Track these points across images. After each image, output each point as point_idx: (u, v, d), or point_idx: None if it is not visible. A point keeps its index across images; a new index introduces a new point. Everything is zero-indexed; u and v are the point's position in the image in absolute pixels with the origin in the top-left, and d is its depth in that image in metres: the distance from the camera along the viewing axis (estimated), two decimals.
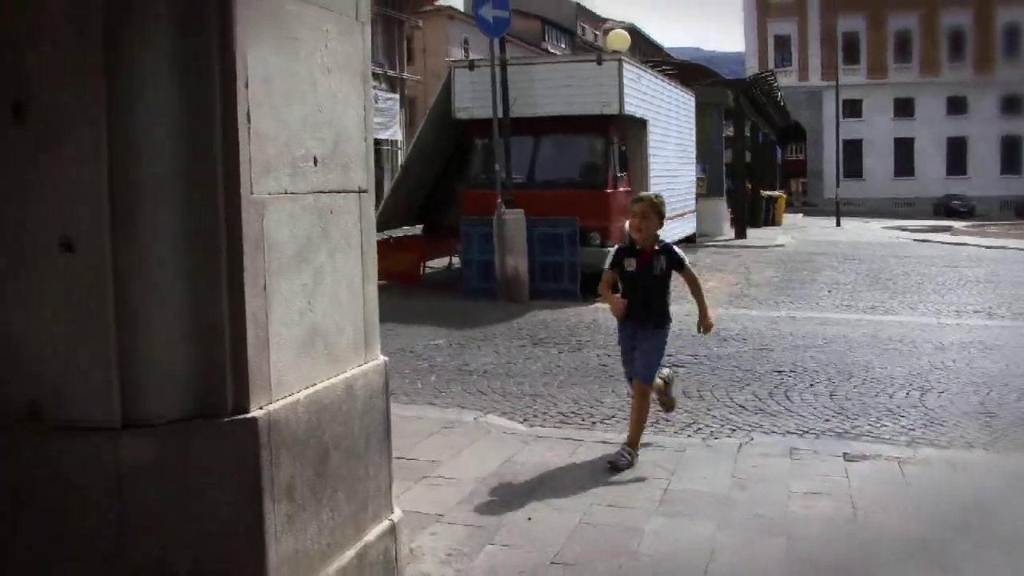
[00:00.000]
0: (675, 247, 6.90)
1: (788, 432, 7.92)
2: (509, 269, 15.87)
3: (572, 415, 8.50)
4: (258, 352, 3.27)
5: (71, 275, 3.08)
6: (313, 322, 3.66)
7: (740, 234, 32.73)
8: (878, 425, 8.08)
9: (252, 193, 3.27)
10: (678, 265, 6.70)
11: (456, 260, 19.99)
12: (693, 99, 25.47)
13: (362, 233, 4.07)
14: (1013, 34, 70.00)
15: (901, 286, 19.45)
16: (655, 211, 6.58)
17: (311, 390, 3.59)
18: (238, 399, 3.22)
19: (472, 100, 17.11)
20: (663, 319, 6.77)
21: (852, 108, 67.66)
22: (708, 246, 28.53)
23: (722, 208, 33.54)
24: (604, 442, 7.17)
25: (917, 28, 70.94)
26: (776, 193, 45.35)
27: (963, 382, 9.78)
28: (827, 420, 8.27)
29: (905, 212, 63.19)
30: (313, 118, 3.68)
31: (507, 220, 15.74)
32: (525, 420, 8.22)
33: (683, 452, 6.87)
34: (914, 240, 34.80)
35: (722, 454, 6.86)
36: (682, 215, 23.68)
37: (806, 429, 8.00)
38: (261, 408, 3.27)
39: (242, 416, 3.21)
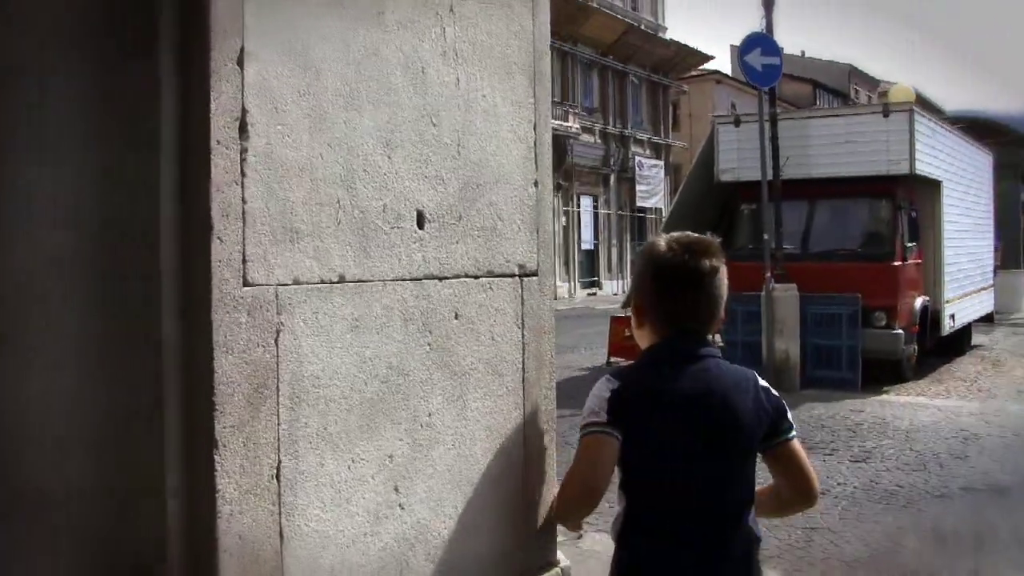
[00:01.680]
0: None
1: None
2: (778, 352, 13.67)
3: (861, 564, 6.13)
4: None
5: None
6: (409, 522, 1.94)
7: None
8: None
9: (248, 284, 1.60)
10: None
11: (718, 339, 17.91)
12: (991, 158, 22.52)
13: (525, 351, 2.29)
14: None
15: None
16: None
17: None
18: None
19: (738, 160, 15.12)
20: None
21: None
22: (1006, 324, 25.28)
23: (1020, 282, 30.04)
24: None
25: None
26: None
27: None
28: None
29: None
30: (415, 135, 1.98)
31: (777, 296, 13.61)
32: (794, 572, 5.95)
33: None
34: None
35: None
36: (979, 290, 20.72)
37: None
38: None
39: None
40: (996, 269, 24.78)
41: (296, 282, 1.70)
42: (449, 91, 2.06)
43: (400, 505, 1.92)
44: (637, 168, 41.26)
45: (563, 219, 35.26)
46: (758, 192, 14.07)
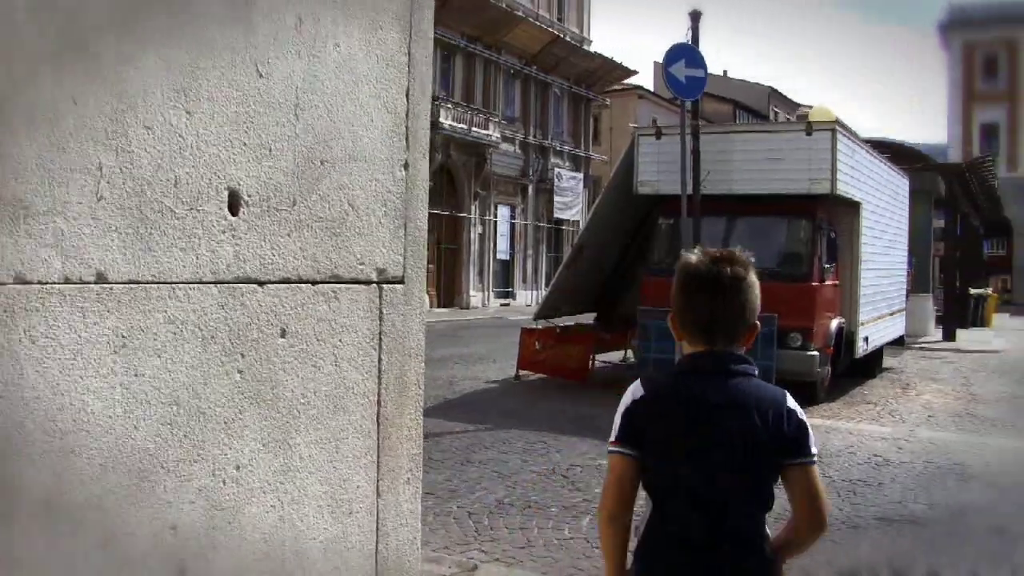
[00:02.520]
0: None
1: None
2: None
3: None
4: None
5: None
6: None
7: (949, 336, 29.53)
8: None
9: None
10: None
11: (631, 354, 17.61)
12: (907, 182, 22.60)
13: (382, 379, 1.76)
14: None
15: None
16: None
17: None
18: None
19: (658, 173, 14.74)
20: None
21: None
22: (915, 348, 25.54)
23: (928, 306, 30.42)
24: None
25: None
26: (986, 291, 41.60)
27: None
28: None
29: None
30: (218, 86, 1.45)
31: None
32: None
33: None
34: None
35: None
36: (892, 313, 20.78)
37: None
38: None
39: None
40: (907, 293, 24.98)
41: (20, 280, 1.16)
42: (286, 33, 1.53)
43: None
44: (556, 179, 41.18)
45: (480, 228, 35.01)
46: (677, 206, 13.75)
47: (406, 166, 1.83)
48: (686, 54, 13.59)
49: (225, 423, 1.46)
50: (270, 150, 1.52)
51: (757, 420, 2.08)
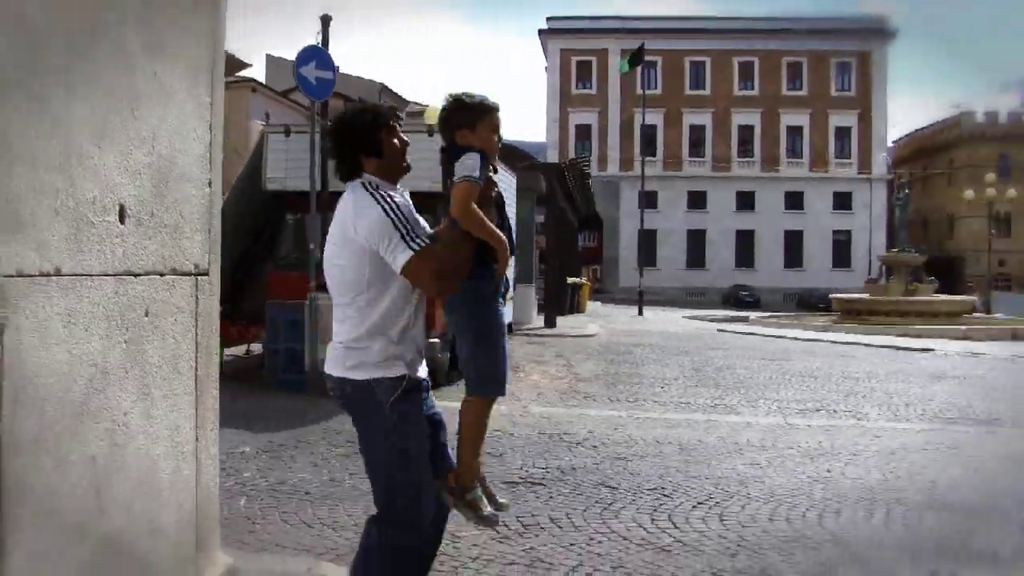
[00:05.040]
0: None
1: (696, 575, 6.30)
2: (321, 360, 13.86)
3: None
4: None
5: None
6: (107, 529, 1.86)
7: (550, 323, 31.68)
8: (791, 559, 6.57)
9: None
10: None
11: (255, 347, 17.75)
12: (515, 180, 24.25)
13: (199, 350, 2.27)
14: (796, 135, 73.94)
15: (730, 381, 18.61)
16: None
17: None
18: None
19: (286, 170, 15.06)
20: None
21: (648, 199, 68.66)
22: (521, 335, 27.36)
23: (532, 295, 32.48)
24: None
25: (710, 125, 73.80)
26: (581, 280, 44.93)
27: (853, 498, 8.54)
28: (733, 555, 6.80)
29: (697, 301, 64.92)
30: (120, 125, 1.91)
31: (320, 305, 13.80)
32: None
33: None
34: (720, 331, 34.68)
35: None
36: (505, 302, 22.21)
37: (715, 571, 6.42)
38: None
39: None
40: (514, 283, 26.65)
41: (20, 274, 1.60)
42: (148, 83, 2.01)
43: (101, 510, 1.85)
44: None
45: None
46: (304, 203, 14.15)
47: (210, 183, 2.34)
48: (317, 56, 14.07)
49: (118, 380, 1.93)
50: (140, 173, 2.00)
51: None
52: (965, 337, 32.89)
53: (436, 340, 15.13)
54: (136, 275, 1.98)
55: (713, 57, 75.73)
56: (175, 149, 2.13)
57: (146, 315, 2.03)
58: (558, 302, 36.01)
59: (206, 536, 2.21)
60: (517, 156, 30.23)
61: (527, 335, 28.01)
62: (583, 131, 74.22)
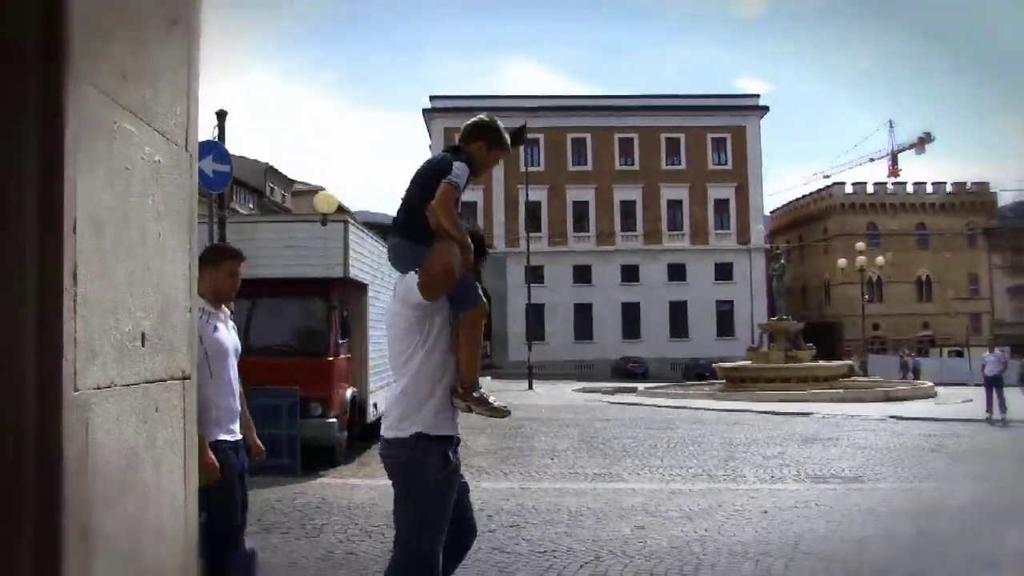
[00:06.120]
0: None
1: None
2: None
3: None
4: None
5: None
6: (138, 564, 2.57)
7: None
8: None
9: (76, 390, 2.21)
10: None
11: None
12: None
13: (186, 435, 2.99)
14: (676, 208, 76.29)
15: (617, 450, 19.69)
16: None
17: None
18: None
19: None
20: None
21: (535, 274, 70.16)
22: None
23: None
24: None
25: (593, 200, 75.78)
26: None
27: (727, 552, 9.50)
28: None
29: (587, 374, 66.38)
30: (141, 279, 2.65)
31: None
32: None
33: None
34: (609, 403, 35.72)
35: None
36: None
37: None
38: None
39: None
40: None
41: (96, 387, 2.32)
42: (154, 242, 2.75)
43: (135, 551, 2.57)
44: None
45: None
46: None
47: (190, 310, 3.08)
48: (214, 150, 14.82)
49: (142, 459, 2.65)
50: (151, 310, 2.75)
51: None
52: (842, 400, 34.64)
53: (334, 420, 15.73)
54: (151, 382, 2.70)
55: (594, 133, 77.77)
56: (171, 288, 2.87)
57: (156, 411, 2.74)
58: None
59: (190, 571, 2.93)
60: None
61: None
62: (468, 207, 75.53)
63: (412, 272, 4.61)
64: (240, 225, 16.44)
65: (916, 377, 54.45)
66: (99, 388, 2.33)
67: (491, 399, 4.81)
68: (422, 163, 4.82)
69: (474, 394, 4.68)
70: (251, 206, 70.81)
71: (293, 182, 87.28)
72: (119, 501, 2.46)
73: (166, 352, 2.82)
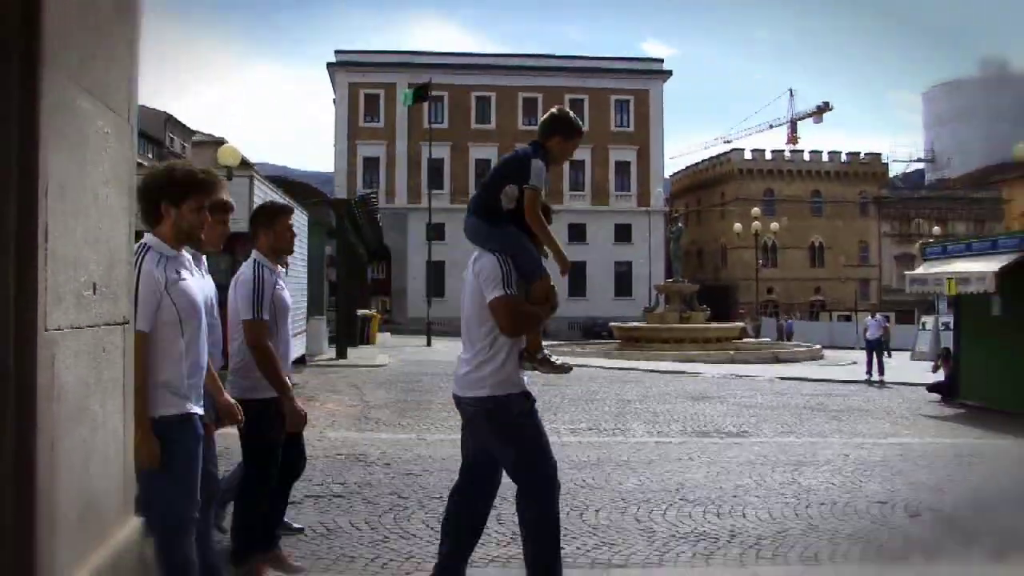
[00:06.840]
0: None
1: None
2: None
3: None
4: (47, 547, 2.60)
5: None
6: (89, 490, 2.98)
7: (341, 354, 32.60)
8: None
9: (47, 329, 2.61)
10: None
11: None
12: (307, 217, 25.23)
13: (125, 374, 3.40)
14: (578, 170, 76.90)
15: None
16: None
17: None
18: None
19: None
20: None
21: (436, 231, 70.34)
22: (313, 365, 28.22)
23: (323, 327, 33.31)
24: None
25: (496, 159, 75.73)
26: (370, 312, 45.90)
27: (609, 499, 10.08)
28: (506, 545, 8.21)
29: None
30: (93, 236, 3.04)
31: None
32: None
33: None
34: None
35: None
36: (294, 335, 23.02)
37: (492, 558, 7.79)
38: None
39: None
40: (306, 316, 27.46)
41: (59, 328, 2.71)
42: (104, 204, 3.14)
43: (87, 471, 2.97)
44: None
45: None
46: None
47: (129, 262, 3.47)
48: None
49: (94, 392, 3.05)
50: (100, 263, 3.13)
51: None
52: (732, 361, 35.71)
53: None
54: (99, 326, 3.10)
55: (498, 92, 77.54)
56: (116, 244, 3.26)
57: (104, 351, 3.14)
58: (349, 333, 36.88)
59: (130, 496, 3.34)
60: (307, 192, 31.16)
61: (319, 366, 28.90)
62: (371, 163, 75.05)
63: (490, 255, 5.18)
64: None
65: (789, 339, 56.74)
66: (61, 329, 2.73)
67: (553, 358, 5.56)
68: (508, 154, 5.44)
69: (538, 356, 5.41)
70: (150, 156, 69.54)
71: (193, 132, 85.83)
72: (76, 428, 2.86)
73: (111, 300, 3.21)
